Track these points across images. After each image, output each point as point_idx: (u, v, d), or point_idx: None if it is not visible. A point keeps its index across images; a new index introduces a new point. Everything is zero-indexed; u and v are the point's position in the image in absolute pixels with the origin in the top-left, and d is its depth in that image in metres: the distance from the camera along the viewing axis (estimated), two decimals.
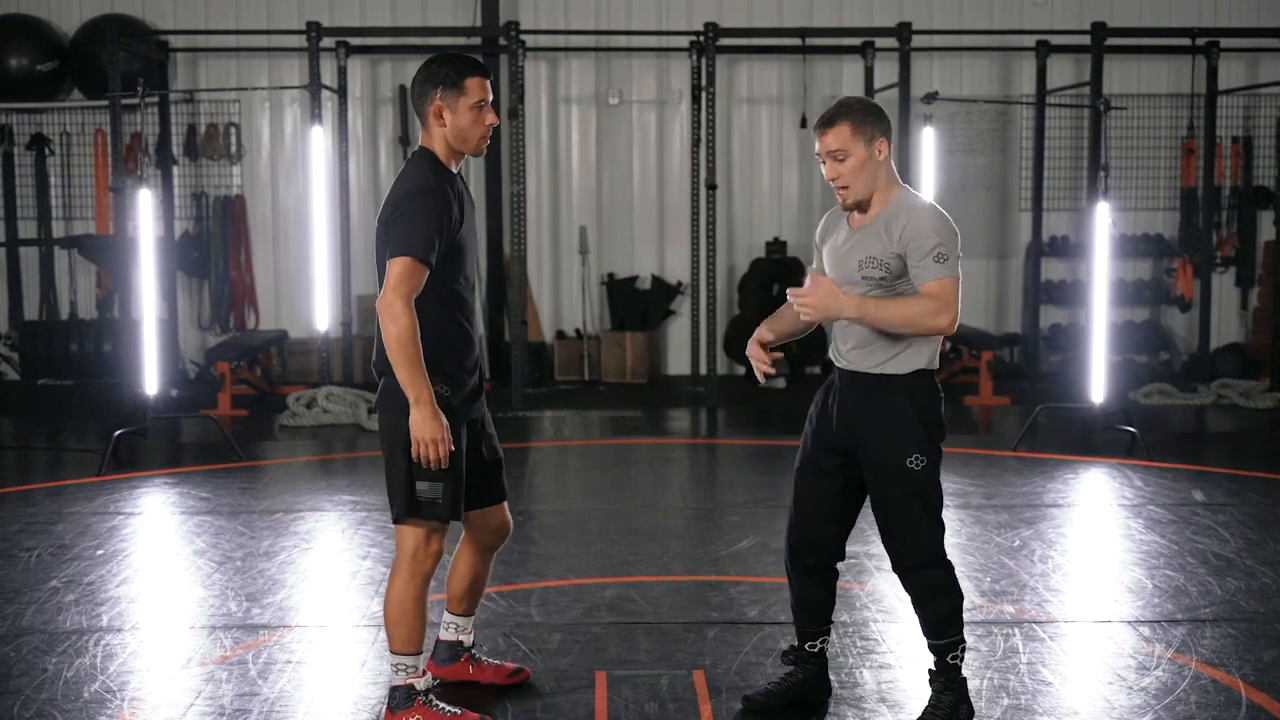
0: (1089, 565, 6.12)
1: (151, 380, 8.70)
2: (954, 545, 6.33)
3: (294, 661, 4.76)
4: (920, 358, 4.03)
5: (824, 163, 4.03)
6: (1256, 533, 6.55)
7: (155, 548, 6.54)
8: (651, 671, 4.60)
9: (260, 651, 4.84)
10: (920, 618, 4.13)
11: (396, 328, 3.86)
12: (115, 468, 8.13)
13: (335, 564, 6.14)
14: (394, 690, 4.12)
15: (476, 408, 4.22)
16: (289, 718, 4.26)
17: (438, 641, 4.52)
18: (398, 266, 3.90)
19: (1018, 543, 6.34)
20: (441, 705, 4.13)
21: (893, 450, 4.00)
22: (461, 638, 4.51)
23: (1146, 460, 8.27)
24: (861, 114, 3.99)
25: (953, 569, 4.09)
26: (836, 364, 4.15)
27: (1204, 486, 7.59)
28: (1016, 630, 5.06)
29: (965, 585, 5.63)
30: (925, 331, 3.90)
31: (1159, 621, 5.15)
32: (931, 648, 4.12)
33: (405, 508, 4.01)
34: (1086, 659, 4.78)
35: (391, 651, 4.11)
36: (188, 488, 7.70)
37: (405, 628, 4.06)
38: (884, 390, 4.01)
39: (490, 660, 4.61)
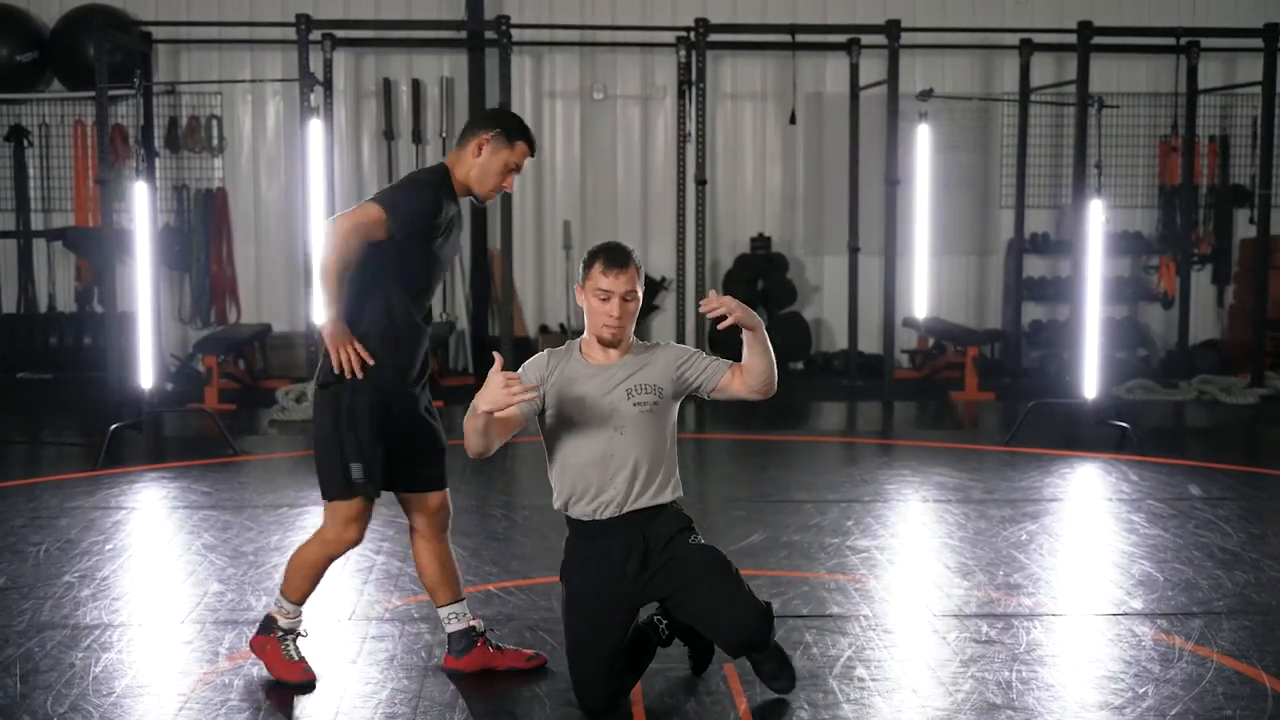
0: (1098, 559, 6.18)
1: (147, 374, 8.63)
2: (962, 539, 6.41)
3: (322, 655, 4.74)
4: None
5: (606, 300, 4.19)
6: (1257, 526, 6.65)
7: (164, 542, 6.49)
8: (682, 665, 4.60)
9: None
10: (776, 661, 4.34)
11: (331, 246, 4.14)
12: (110, 462, 8.06)
13: (348, 558, 6.06)
14: (267, 617, 4.49)
15: (409, 391, 4.40)
16: (327, 711, 4.25)
17: (449, 636, 4.55)
18: (362, 206, 4.22)
19: (1025, 536, 6.40)
20: (291, 649, 4.44)
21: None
22: (471, 623, 4.55)
23: (1138, 455, 8.36)
24: (638, 261, 4.26)
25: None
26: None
27: (1198, 481, 7.69)
28: (1037, 623, 5.11)
29: (980, 578, 5.71)
30: (773, 379, 4.43)
31: (1175, 614, 5.22)
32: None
33: (335, 486, 4.26)
34: (1110, 651, 4.83)
35: (280, 590, 4.46)
36: (187, 482, 7.64)
37: (298, 579, 4.42)
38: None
39: (506, 645, 4.64)
